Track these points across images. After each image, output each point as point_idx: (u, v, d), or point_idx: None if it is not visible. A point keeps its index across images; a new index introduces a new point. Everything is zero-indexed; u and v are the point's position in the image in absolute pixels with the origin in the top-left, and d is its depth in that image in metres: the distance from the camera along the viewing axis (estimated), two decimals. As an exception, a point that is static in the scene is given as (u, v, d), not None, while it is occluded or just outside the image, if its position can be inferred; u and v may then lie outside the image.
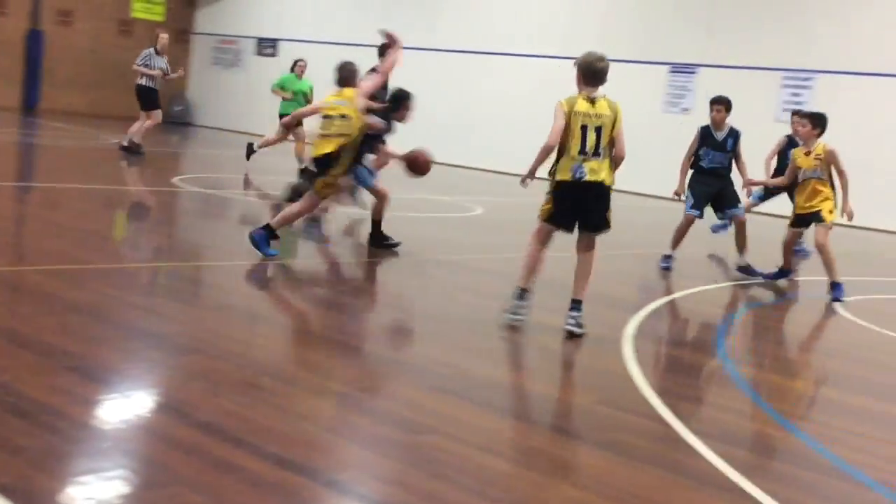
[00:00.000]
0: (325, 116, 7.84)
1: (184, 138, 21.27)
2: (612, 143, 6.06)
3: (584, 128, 5.97)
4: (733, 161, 9.12)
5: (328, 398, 4.53)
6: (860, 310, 7.84)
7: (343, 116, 7.71)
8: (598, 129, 5.98)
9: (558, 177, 6.08)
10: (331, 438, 3.98)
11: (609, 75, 6.12)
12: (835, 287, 8.21)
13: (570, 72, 6.04)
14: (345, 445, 3.90)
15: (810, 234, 8.62)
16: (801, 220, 8.56)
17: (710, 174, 9.05)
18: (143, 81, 14.79)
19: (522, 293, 6.13)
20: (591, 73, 6.08)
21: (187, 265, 7.55)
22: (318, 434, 4.02)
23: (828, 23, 16.15)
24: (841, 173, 8.25)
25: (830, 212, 8.30)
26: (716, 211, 9.38)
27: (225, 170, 15.47)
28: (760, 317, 8.03)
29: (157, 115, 14.87)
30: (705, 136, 9.08)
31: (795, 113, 10.88)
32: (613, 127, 6.02)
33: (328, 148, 7.64)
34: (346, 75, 8.12)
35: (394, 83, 8.79)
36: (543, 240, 6.24)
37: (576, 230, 6.19)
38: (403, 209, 10.24)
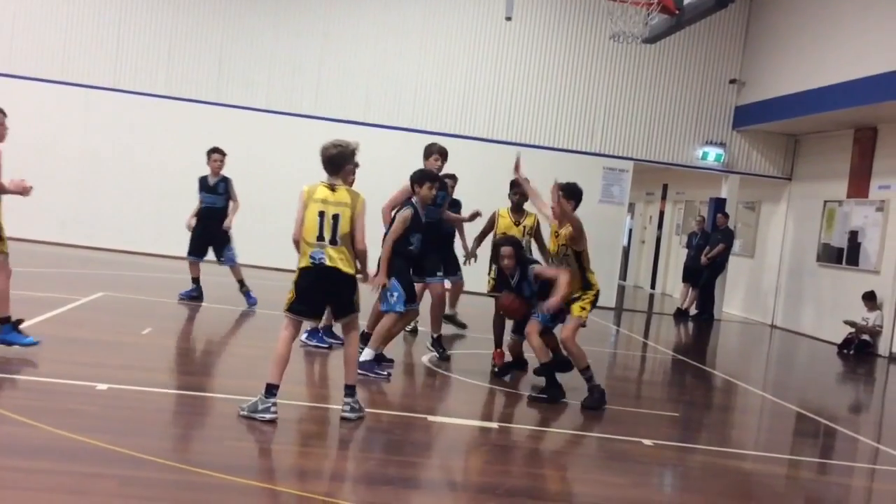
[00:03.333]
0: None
1: None
2: (351, 231, 6.10)
3: (321, 214, 6.07)
4: None
5: None
6: None
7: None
8: (336, 217, 6.06)
9: (300, 263, 6.16)
10: None
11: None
12: None
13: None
14: None
15: None
16: None
17: None
18: None
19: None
20: (324, 160, 6.19)
21: None
22: None
23: None
24: None
25: None
26: None
27: None
28: None
29: None
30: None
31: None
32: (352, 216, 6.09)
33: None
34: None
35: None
36: (292, 329, 6.20)
37: None
38: None
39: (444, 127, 17.78)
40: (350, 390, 6.31)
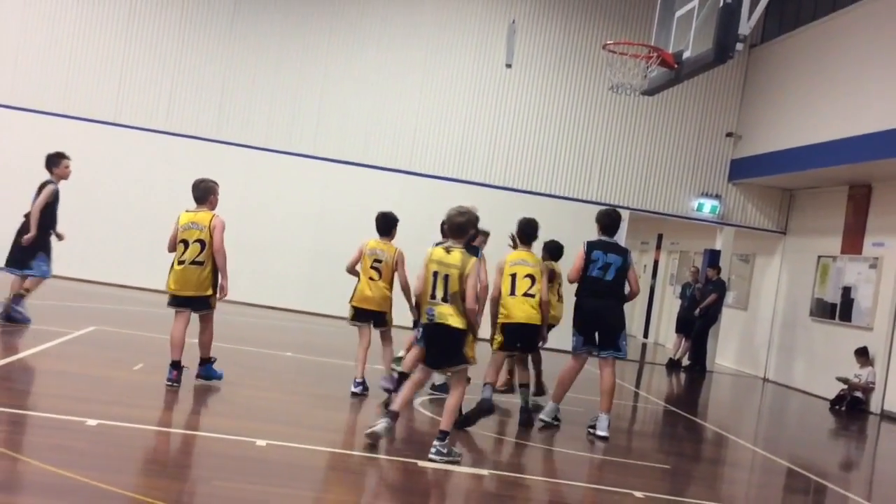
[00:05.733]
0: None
1: None
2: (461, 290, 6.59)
3: (435, 274, 6.66)
4: None
5: None
6: None
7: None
8: (447, 277, 6.60)
9: (422, 319, 6.92)
10: None
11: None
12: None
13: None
14: None
15: None
16: None
17: None
18: None
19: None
20: (452, 227, 6.79)
21: None
22: None
23: None
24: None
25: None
26: None
27: None
28: None
29: None
30: None
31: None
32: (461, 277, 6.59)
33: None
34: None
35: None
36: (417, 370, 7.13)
37: None
38: None
39: (442, 171, 17.90)
40: (443, 435, 6.69)
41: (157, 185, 17.02)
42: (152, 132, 17.26)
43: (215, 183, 8.60)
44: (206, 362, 8.64)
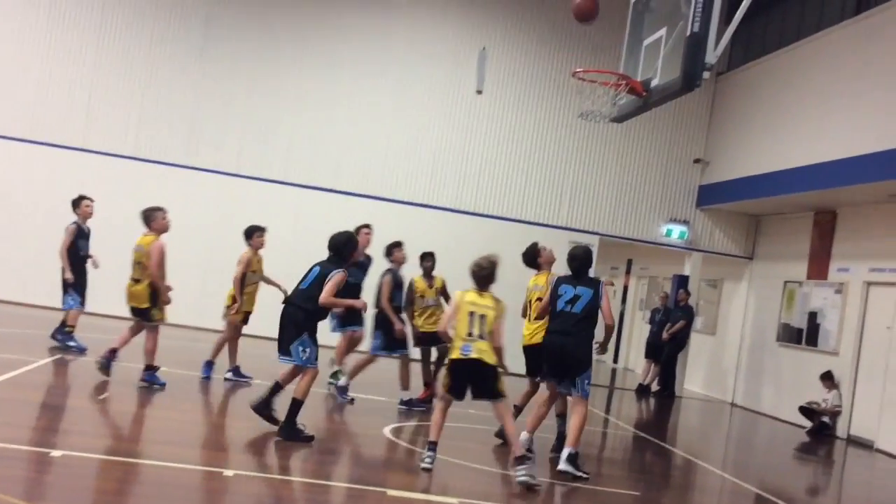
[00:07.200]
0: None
1: None
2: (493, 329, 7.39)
3: (471, 314, 7.39)
4: None
5: None
6: None
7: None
8: (483, 317, 7.38)
9: (451, 355, 7.50)
10: None
11: None
12: None
13: None
14: None
15: None
16: None
17: None
18: None
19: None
20: (481, 277, 7.55)
21: None
22: None
23: None
24: None
25: None
26: None
27: None
28: None
29: None
30: None
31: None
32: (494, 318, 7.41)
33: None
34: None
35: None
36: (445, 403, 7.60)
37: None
38: None
39: (413, 196, 17.92)
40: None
41: (125, 211, 16.83)
42: (121, 158, 17.13)
43: (157, 208, 9.89)
44: (149, 369, 9.50)
